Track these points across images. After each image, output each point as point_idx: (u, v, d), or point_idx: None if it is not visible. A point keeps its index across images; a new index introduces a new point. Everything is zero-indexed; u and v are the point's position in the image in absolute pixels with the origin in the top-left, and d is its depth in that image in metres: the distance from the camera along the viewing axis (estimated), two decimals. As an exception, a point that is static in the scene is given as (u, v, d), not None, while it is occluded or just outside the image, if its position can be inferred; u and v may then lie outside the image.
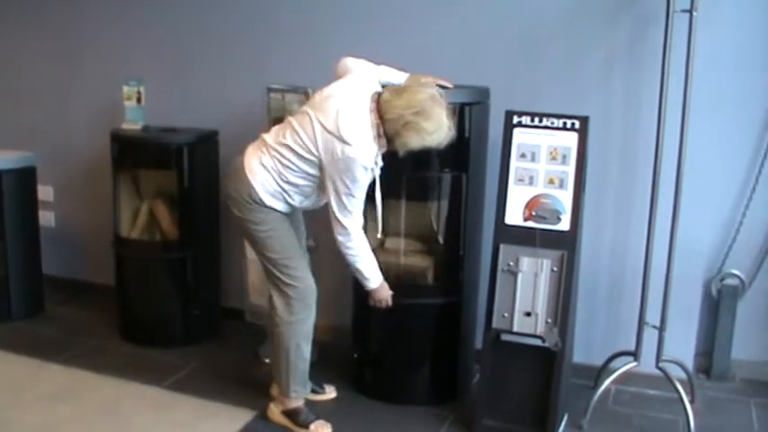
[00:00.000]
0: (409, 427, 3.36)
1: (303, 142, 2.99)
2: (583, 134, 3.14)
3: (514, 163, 3.20)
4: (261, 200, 3.07)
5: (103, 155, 4.24)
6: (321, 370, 3.64)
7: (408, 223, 3.56)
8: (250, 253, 3.76)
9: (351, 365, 3.72)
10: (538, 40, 3.64)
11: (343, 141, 2.90)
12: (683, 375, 3.52)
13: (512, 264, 3.15)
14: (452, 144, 3.27)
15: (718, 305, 3.77)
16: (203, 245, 4.17)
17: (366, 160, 2.92)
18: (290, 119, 3.11)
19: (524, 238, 3.15)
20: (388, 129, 2.95)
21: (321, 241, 3.74)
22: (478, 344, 3.49)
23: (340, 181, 2.94)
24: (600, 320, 3.75)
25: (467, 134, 3.34)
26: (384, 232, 3.42)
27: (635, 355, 3.46)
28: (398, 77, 3.26)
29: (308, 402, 3.39)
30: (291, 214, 3.23)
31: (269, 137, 3.13)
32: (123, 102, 4.15)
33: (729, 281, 3.76)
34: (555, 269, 3.11)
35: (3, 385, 3.65)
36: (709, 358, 3.83)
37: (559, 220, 3.13)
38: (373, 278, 3.17)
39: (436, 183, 3.45)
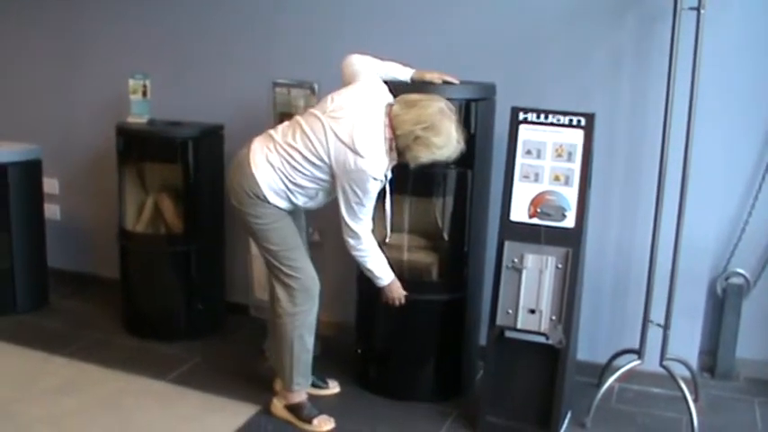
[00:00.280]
0: (412, 424, 3.36)
1: (314, 148, 2.99)
2: (589, 131, 3.13)
3: (520, 160, 3.20)
4: (264, 196, 3.07)
5: (109, 148, 4.24)
6: (324, 365, 3.64)
7: (413, 219, 3.55)
8: (254, 248, 3.77)
9: (354, 361, 3.72)
10: (544, 36, 3.63)
11: (357, 153, 2.92)
12: (687, 374, 3.51)
13: (516, 261, 3.15)
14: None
15: (722, 304, 3.77)
16: (208, 239, 4.18)
17: (377, 173, 2.95)
18: (300, 120, 3.10)
19: (529, 234, 3.15)
20: (399, 143, 2.98)
21: (325, 237, 3.74)
22: (482, 340, 3.49)
23: (351, 190, 2.96)
24: (604, 318, 3.75)
25: (472, 131, 3.33)
26: (390, 229, 3.42)
27: (639, 353, 3.45)
28: (404, 74, 3.26)
29: (312, 397, 3.40)
30: (293, 210, 3.23)
31: (276, 134, 3.12)
32: (129, 95, 4.15)
33: (734, 279, 3.76)
34: (560, 266, 3.10)
35: (8, 378, 3.66)
36: (713, 357, 3.83)
37: (564, 217, 3.13)
38: (384, 276, 3.19)
39: (441, 179, 3.44)
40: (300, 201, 3.12)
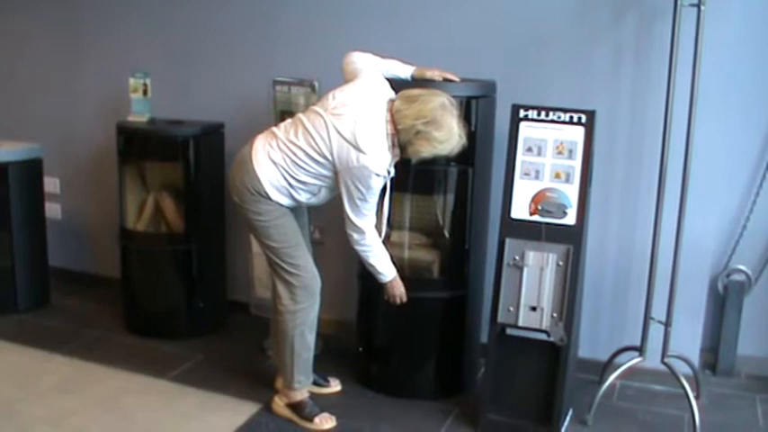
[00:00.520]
0: (414, 421, 3.36)
1: (317, 145, 3.00)
2: (589, 128, 3.13)
3: (520, 157, 3.20)
4: (266, 193, 3.07)
5: (110, 147, 4.24)
6: (326, 363, 3.64)
7: (414, 217, 3.55)
8: (256, 247, 3.77)
9: (355, 359, 3.72)
10: (545, 33, 3.63)
11: (359, 150, 2.93)
12: (688, 371, 3.51)
13: (517, 258, 3.15)
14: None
15: (724, 301, 3.77)
16: (209, 237, 4.18)
17: (380, 169, 2.95)
18: (302, 117, 3.10)
19: (530, 232, 3.15)
20: (401, 138, 2.99)
21: (326, 235, 3.74)
22: (484, 338, 3.49)
23: (354, 187, 2.97)
24: (605, 315, 3.75)
25: (473, 128, 3.33)
26: (390, 226, 3.42)
27: (640, 350, 3.45)
28: (405, 71, 3.26)
29: (313, 395, 3.39)
30: (295, 207, 3.23)
31: (279, 131, 3.13)
32: (129, 94, 4.15)
33: (736, 277, 3.76)
34: (561, 263, 3.10)
35: (9, 377, 3.66)
36: (714, 354, 3.83)
37: (565, 214, 3.13)
38: (387, 272, 3.19)
39: (442, 176, 3.44)
40: (303, 197, 3.12)
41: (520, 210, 3.18)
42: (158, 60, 4.37)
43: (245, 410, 3.38)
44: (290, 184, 3.08)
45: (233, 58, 4.25)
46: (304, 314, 3.22)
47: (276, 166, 3.06)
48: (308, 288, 3.21)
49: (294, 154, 3.03)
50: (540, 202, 3.16)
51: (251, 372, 3.72)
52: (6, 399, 3.42)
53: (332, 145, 2.97)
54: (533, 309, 3.14)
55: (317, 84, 3.71)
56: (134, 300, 4.23)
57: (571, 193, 3.13)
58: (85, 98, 4.71)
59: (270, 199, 3.09)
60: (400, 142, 2.99)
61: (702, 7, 3.13)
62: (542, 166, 3.17)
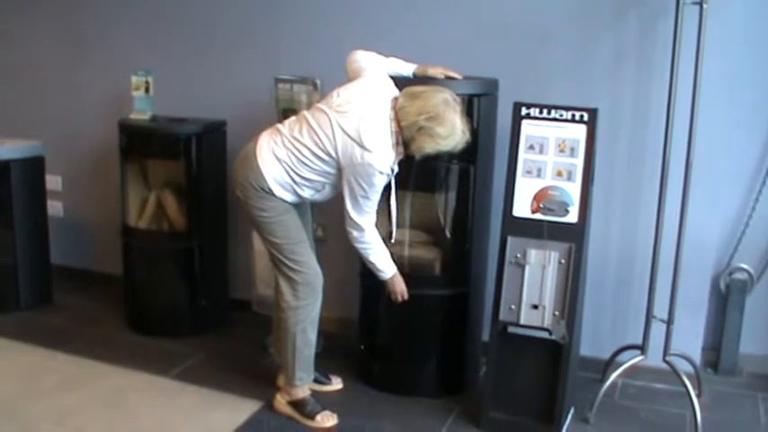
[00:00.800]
0: (415, 419, 3.36)
1: (321, 142, 3.00)
2: (591, 126, 3.13)
3: (522, 155, 3.19)
4: (270, 189, 3.07)
5: (112, 144, 4.24)
6: (328, 361, 3.64)
7: (416, 215, 3.55)
8: (258, 244, 3.77)
9: (357, 357, 3.72)
10: (547, 31, 3.62)
11: (364, 147, 2.93)
12: (690, 369, 3.51)
13: (519, 256, 3.14)
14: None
15: (726, 299, 3.76)
16: (211, 235, 4.18)
17: (383, 167, 2.95)
18: (306, 114, 3.11)
19: (532, 230, 3.15)
20: (404, 134, 2.99)
21: (329, 233, 3.74)
22: (485, 336, 3.49)
23: (357, 184, 2.97)
24: (607, 314, 3.74)
25: (475, 126, 3.33)
26: (396, 226, 3.42)
27: (642, 348, 3.45)
28: (407, 69, 3.26)
29: (315, 393, 3.40)
30: (299, 204, 3.23)
31: (283, 128, 3.14)
32: (132, 92, 4.15)
33: (738, 275, 3.75)
34: (562, 262, 3.10)
35: (12, 375, 3.67)
36: (716, 352, 3.82)
37: (567, 212, 3.13)
38: (387, 270, 3.19)
39: (444, 174, 3.44)
40: (307, 193, 3.13)
41: (522, 208, 3.18)
42: (160, 58, 4.37)
43: (246, 408, 3.38)
44: (293, 181, 3.08)
45: (235, 55, 4.25)
46: (306, 311, 3.22)
47: (280, 162, 3.06)
48: (311, 285, 3.21)
49: (298, 151, 3.04)
50: (541, 200, 3.15)
51: (253, 369, 3.73)
52: (9, 397, 3.43)
53: (336, 142, 2.97)
54: (535, 307, 3.14)
55: (319, 82, 3.70)
56: (136, 297, 4.23)
57: (573, 191, 3.13)
58: (87, 96, 4.71)
59: (274, 195, 3.09)
60: (404, 139, 3.00)
61: (705, 5, 3.12)
62: (544, 164, 3.17)
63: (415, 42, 3.62)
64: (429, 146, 2.99)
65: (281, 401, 3.37)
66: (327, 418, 3.29)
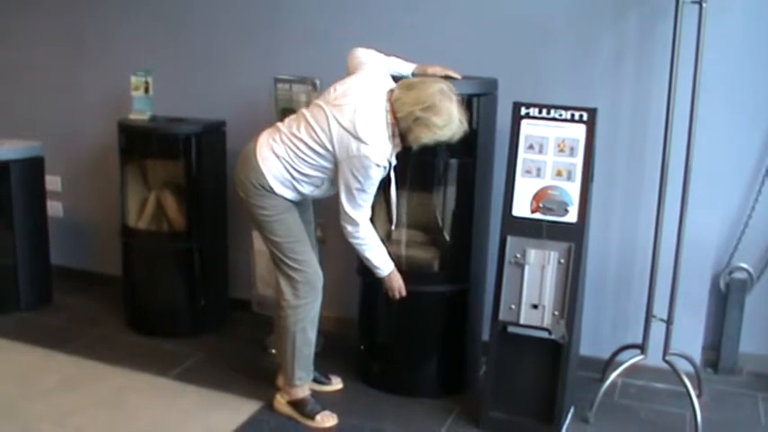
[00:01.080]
0: (415, 419, 3.36)
1: (318, 137, 3.00)
2: (591, 126, 3.13)
3: (522, 154, 3.19)
4: (270, 187, 3.08)
5: (111, 145, 4.24)
6: (327, 361, 3.65)
7: (416, 215, 3.55)
8: (258, 244, 3.77)
9: (357, 357, 3.72)
10: (546, 31, 3.62)
11: (359, 140, 2.92)
12: (690, 369, 3.51)
13: (519, 256, 3.14)
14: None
15: (726, 299, 3.76)
16: (210, 235, 4.18)
17: (380, 159, 2.94)
18: (304, 111, 3.12)
19: (531, 230, 3.14)
20: (400, 126, 2.98)
21: (329, 232, 3.74)
22: (485, 336, 3.49)
23: (352, 177, 2.96)
24: (607, 313, 3.74)
25: (475, 125, 3.33)
26: (396, 222, 3.42)
27: (642, 348, 3.45)
28: (407, 68, 3.26)
29: (315, 393, 3.40)
30: (300, 203, 3.23)
31: (283, 126, 3.15)
32: (131, 92, 4.15)
33: (738, 274, 3.75)
34: (562, 261, 3.10)
35: (11, 375, 3.67)
36: (716, 352, 3.82)
37: (567, 212, 3.12)
38: (383, 266, 3.18)
39: (444, 174, 3.44)
40: (307, 189, 3.13)
41: (521, 207, 3.18)
42: (160, 58, 4.37)
43: (246, 408, 3.38)
44: (293, 177, 3.08)
45: (235, 55, 4.25)
46: (306, 310, 3.22)
47: (279, 159, 3.07)
48: (311, 283, 3.21)
49: (297, 147, 3.04)
50: (541, 199, 3.15)
51: (253, 370, 3.73)
52: (9, 397, 3.43)
53: (332, 135, 2.97)
54: (535, 307, 3.14)
55: (318, 82, 3.70)
56: (136, 298, 4.23)
57: (572, 190, 3.13)
58: (87, 96, 4.71)
59: (274, 193, 3.09)
60: (400, 130, 2.99)
61: (704, 5, 3.12)
62: (544, 164, 3.17)
63: (414, 42, 3.62)
64: (426, 136, 2.97)
65: (280, 401, 3.37)
66: (327, 418, 3.29)
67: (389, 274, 3.21)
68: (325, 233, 3.72)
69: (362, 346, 3.68)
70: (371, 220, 3.13)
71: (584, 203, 3.11)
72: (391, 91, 3.03)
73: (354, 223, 3.05)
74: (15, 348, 3.94)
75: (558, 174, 3.15)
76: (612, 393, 3.56)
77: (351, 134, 2.94)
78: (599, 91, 3.53)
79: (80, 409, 3.34)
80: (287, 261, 3.18)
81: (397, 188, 3.17)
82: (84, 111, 4.73)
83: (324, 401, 3.37)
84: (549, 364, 3.17)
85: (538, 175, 3.17)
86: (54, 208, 4.81)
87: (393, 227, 3.27)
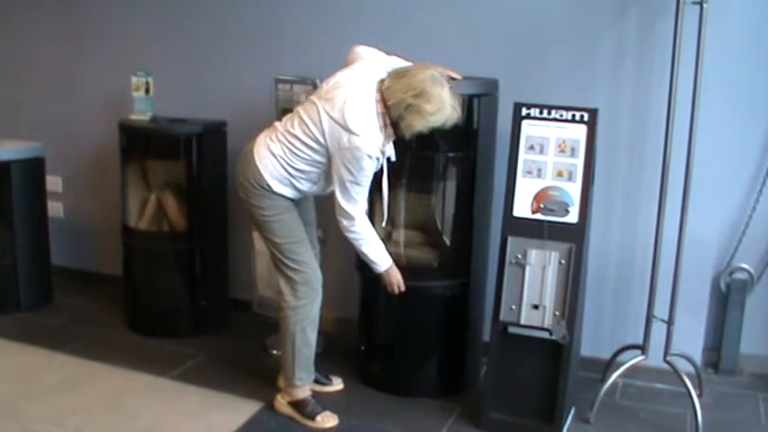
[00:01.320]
0: (416, 420, 3.35)
1: (311, 131, 3.00)
2: (592, 126, 3.13)
3: (523, 155, 3.19)
4: (269, 186, 3.08)
5: (112, 145, 4.24)
6: (328, 362, 3.65)
7: (416, 215, 3.55)
8: (258, 245, 3.77)
9: (358, 357, 3.72)
10: (547, 31, 3.62)
11: (349, 131, 2.91)
12: (690, 369, 3.51)
13: (520, 256, 3.14)
14: (461, 135, 3.28)
15: (726, 299, 3.76)
16: (211, 236, 4.18)
17: (372, 150, 2.93)
18: (299, 108, 3.13)
19: (532, 230, 3.14)
20: (392, 114, 2.96)
21: (329, 233, 3.74)
22: (486, 336, 3.48)
23: (345, 169, 2.95)
24: (608, 314, 3.74)
25: (475, 126, 3.34)
26: (391, 223, 3.42)
27: (643, 348, 3.45)
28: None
29: (315, 394, 3.39)
30: (300, 202, 3.23)
31: (279, 124, 3.16)
32: (132, 92, 4.15)
33: (738, 275, 3.75)
34: (563, 262, 3.10)
35: (12, 375, 3.67)
36: (717, 352, 3.82)
37: (567, 212, 3.12)
38: (381, 262, 3.17)
39: (444, 174, 3.44)
40: (305, 186, 3.13)
41: (522, 208, 3.17)
42: (160, 59, 4.37)
43: (247, 409, 3.38)
44: (290, 174, 3.08)
45: (235, 56, 4.25)
46: (305, 310, 3.22)
47: (276, 157, 3.07)
48: (310, 284, 3.21)
49: (291, 144, 3.05)
50: (542, 200, 3.15)
51: (253, 370, 3.73)
52: (8, 397, 3.43)
53: (324, 128, 2.97)
54: (535, 307, 3.14)
55: (318, 82, 3.68)
56: (136, 298, 4.23)
57: (573, 191, 3.13)
58: (88, 96, 4.71)
59: (273, 192, 3.10)
60: (392, 119, 2.97)
61: (705, 5, 3.12)
62: (545, 165, 3.17)
63: (415, 42, 3.61)
64: (418, 123, 2.95)
65: (281, 402, 3.36)
66: (328, 419, 3.28)
67: (388, 270, 3.20)
68: (325, 234, 3.72)
69: (363, 347, 3.68)
70: (372, 220, 3.13)
71: (584, 204, 3.11)
72: (381, 81, 3.01)
73: (350, 217, 3.04)
74: (15, 348, 3.94)
75: (559, 174, 3.15)
76: (613, 394, 3.56)
77: (341, 126, 2.93)
78: (599, 91, 3.53)
79: (80, 410, 3.34)
80: (286, 262, 3.18)
81: (390, 181, 3.14)
82: (84, 111, 4.73)
83: (324, 402, 3.37)
84: (549, 365, 3.17)
85: (539, 176, 3.17)
86: (54, 208, 4.81)
87: (384, 223, 3.25)
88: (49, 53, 4.80)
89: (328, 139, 2.96)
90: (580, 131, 3.13)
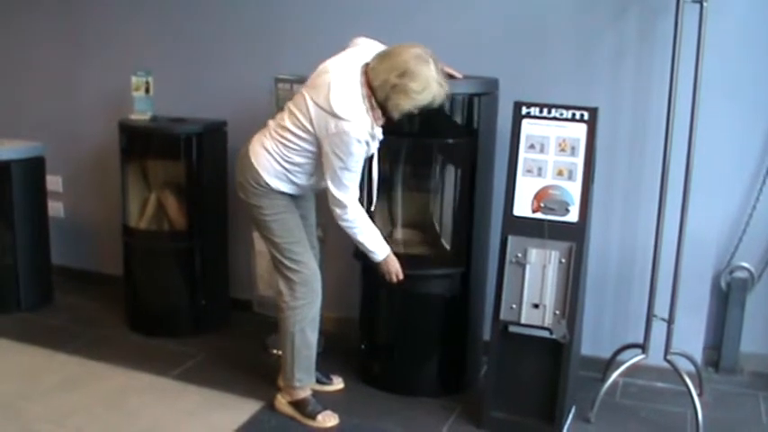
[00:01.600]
0: (416, 419, 3.35)
1: (299, 121, 3.00)
2: (592, 125, 3.12)
3: (523, 154, 3.19)
4: (266, 183, 3.08)
5: (112, 145, 4.24)
6: (328, 361, 3.65)
7: (417, 215, 3.55)
8: (258, 244, 3.77)
9: (358, 357, 3.72)
10: (547, 30, 3.62)
11: (336, 116, 2.90)
12: (691, 368, 3.51)
13: (520, 255, 3.14)
14: (461, 134, 3.28)
15: (727, 298, 3.76)
16: (211, 235, 4.18)
17: (360, 133, 2.91)
18: (288, 102, 3.13)
19: (533, 229, 3.14)
20: (378, 96, 2.94)
21: (328, 233, 3.74)
22: (486, 335, 3.48)
23: (334, 155, 2.94)
24: (608, 313, 3.74)
25: (475, 125, 3.33)
26: (391, 222, 3.42)
27: (643, 347, 3.45)
28: None
29: (316, 393, 3.39)
30: (301, 202, 3.23)
31: (272, 121, 3.16)
32: (132, 92, 4.15)
33: (739, 274, 3.75)
34: (563, 261, 3.10)
35: (12, 375, 3.67)
36: (717, 351, 3.82)
37: (568, 211, 3.12)
38: (378, 250, 3.15)
39: (445, 174, 3.43)
40: (301, 180, 3.12)
41: (522, 207, 3.17)
42: (161, 58, 4.37)
43: (247, 408, 3.38)
44: (285, 169, 3.08)
45: (235, 55, 4.25)
46: (304, 311, 3.22)
47: (270, 153, 3.07)
48: (308, 284, 3.21)
49: (283, 137, 3.05)
50: (542, 199, 3.15)
51: (253, 369, 3.73)
52: (9, 397, 3.43)
53: (311, 116, 2.96)
54: (536, 306, 3.14)
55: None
56: (137, 298, 4.23)
57: (574, 190, 3.13)
58: (88, 96, 4.71)
59: (271, 189, 3.10)
60: (378, 100, 2.94)
61: (705, 3, 3.12)
62: (545, 164, 3.17)
63: (415, 41, 3.60)
64: (405, 103, 2.93)
65: (281, 401, 3.36)
66: (328, 418, 3.28)
67: (385, 258, 3.17)
68: (325, 233, 3.72)
69: (363, 346, 3.68)
70: (372, 219, 3.13)
71: (585, 203, 3.11)
72: (367, 64, 2.99)
73: (342, 205, 3.02)
74: (16, 348, 3.94)
75: (560, 173, 3.15)
76: (614, 393, 3.56)
77: (327, 112, 2.91)
78: (600, 90, 3.53)
79: (81, 409, 3.34)
80: (285, 262, 3.18)
81: (380, 164, 3.12)
82: (84, 111, 4.73)
83: (325, 401, 3.37)
84: (550, 364, 3.17)
85: (539, 175, 3.17)
86: (55, 208, 4.81)
87: (373, 207, 3.22)
88: (49, 53, 4.80)
89: (316, 126, 2.95)
90: (580, 130, 3.13)
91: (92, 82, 4.68)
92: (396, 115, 2.98)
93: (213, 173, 4.10)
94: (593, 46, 3.56)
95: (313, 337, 3.29)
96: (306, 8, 4.04)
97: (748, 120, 3.56)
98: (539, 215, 3.15)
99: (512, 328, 3.22)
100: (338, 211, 3.04)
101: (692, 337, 3.60)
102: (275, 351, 3.74)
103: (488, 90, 3.41)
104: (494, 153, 3.53)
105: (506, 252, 3.17)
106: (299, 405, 3.31)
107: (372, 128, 2.96)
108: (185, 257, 4.13)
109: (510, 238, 3.16)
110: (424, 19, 3.80)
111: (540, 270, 3.12)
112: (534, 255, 3.12)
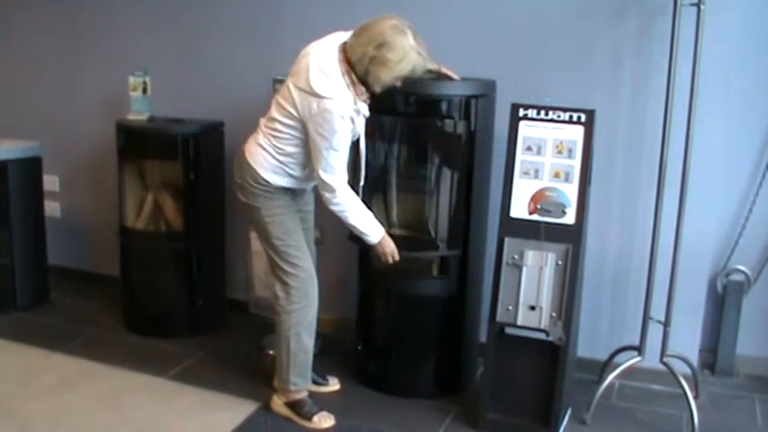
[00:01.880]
0: (412, 420, 3.36)
1: (286, 109, 3.01)
2: (589, 128, 3.13)
3: (520, 156, 3.20)
4: (264, 180, 3.09)
5: (109, 145, 4.24)
6: (325, 362, 3.65)
7: (413, 216, 3.55)
8: (255, 245, 3.77)
9: (354, 358, 3.72)
10: (545, 32, 3.62)
11: (317, 96, 2.90)
12: (687, 371, 3.51)
13: (516, 257, 3.14)
14: (458, 136, 3.28)
15: (723, 301, 3.76)
16: (208, 236, 4.18)
17: (342, 110, 2.90)
18: (276, 95, 3.14)
19: (529, 231, 3.15)
20: (357, 71, 2.93)
21: (326, 234, 3.74)
22: (483, 337, 3.49)
23: (320, 136, 2.93)
24: (604, 315, 3.74)
25: (473, 127, 3.34)
26: (387, 223, 3.42)
27: (639, 349, 3.45)
28: None
29: (312, 394, 3.39)
30: (300, 201, 3.24)
31: (263, 119, 3.17)
32: (129, 92, 4.15)
33: (735, 276, 3.75)
34: (560, 263, 3.10)
35: (8, 375, 3.66)
36: (713, 354, 3.82)
37: (564, 213, 3.13)
38: (371, 232, 3.13)
39: (441, 175, 3.43)
40: (297, 171, 3.11)
41: (519, 209, 3.18)
42: (158, 58, 4.37)
43: (243, 409, 3.37)
44: (280, 162, 3.08)
45: (233, 56, 4.25)
46: (300, 314, 3.22)
47: (264, 148, 3.09)
48: (304, 288, 3.21)
49: (272, 128, 3.06)
50: (539, 201, 3.16)
51: (250, 370, 3.72)
52: (5, 396, 3.42)
53: (294, 101, 2.96)
54: (532, 308, 3.14)
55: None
56: (133, 298, 4.23)
57: (570, 192, 3.13)
58: (85, 96, 4.70)
59: (269, 185, 3.10)
60: (358, 75, 2.93)
61: (702, 6, 3.13)
62: (542, 166, 3.17)
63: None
64: (386, 74, 2.91)
65: (278, 402, 3.36)
66: (324, 419, 3.28)
67: (380, 241, 3.16)
68: (322, 234, 3.72)
69: (360, 347, 3.68)
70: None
71: (581, 205, 3.12)
72: (344, 42, 2.99)
73: (330, 189, 3.01)
74: (12, 348, 3.94)
75: (556, 175, 3.16)
76: (610, 395, 3.56)
77: (308, 93, 2.91)
78: (597, 92, 3.53)
79: (77, 409, 3.34)
80: (281, 265, 3.18)
81: (367, 143, 3.12)
82: (82, 111, 4.72)
83: (321, 402, 3.37)
84: (546, 366, 3.17)
85: (536, 177, 3.18)
86: (52, 208, 4.81)
87: (361, 186, 3.21)
88: (46, 52, 4.79)
89: (300, 110, 2.95)
90: (577, 132, 3.14)
91: (89, 82, 4.68)
92: (377, 88, 2.97)
93: (210, 174, 4.10)
94: (591, 48, 3.57)
95: (309, 341, 3.29)
96: (304, 9, 4.04)
97: (745, 123, 3.57)
98: (535, 217, 3.15)
99: (508, 330, 3.22)
100: (327, 195, 3.03)
101: (688, 340, 3.60)
102: (271, 352, 3.74)
103: (486, 92, 3.41)
104: (491, 155, 3.53)
105: (503, 254, 3.17)
106: (295, 406, 3.31)
107: (356, 103, 2.95)
108: (182, 258, 4.13)
109: (507, 239, 3.17)
110: (421, 20, 3.76)
111: (536, 272, 3.12)
112: (531, 257, 3.12)
